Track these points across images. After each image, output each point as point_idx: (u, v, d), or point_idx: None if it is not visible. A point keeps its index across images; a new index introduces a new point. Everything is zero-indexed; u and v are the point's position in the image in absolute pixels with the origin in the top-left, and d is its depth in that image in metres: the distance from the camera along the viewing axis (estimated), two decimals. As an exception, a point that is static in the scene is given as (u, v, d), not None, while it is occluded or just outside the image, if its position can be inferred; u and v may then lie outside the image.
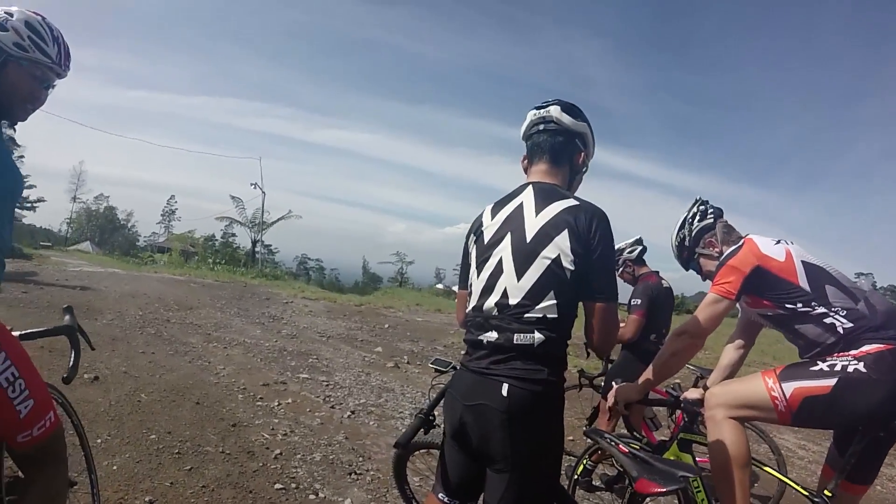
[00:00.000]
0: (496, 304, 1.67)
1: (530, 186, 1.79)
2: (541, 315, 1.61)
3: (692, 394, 2.49)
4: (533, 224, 1.68)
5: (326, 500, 3.08)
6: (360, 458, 3.74)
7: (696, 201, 2.57)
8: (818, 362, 1.95)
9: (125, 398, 4.19)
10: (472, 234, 1.87)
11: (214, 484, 3.06)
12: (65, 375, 1.94)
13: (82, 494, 2.38)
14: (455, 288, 1.81)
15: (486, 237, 1.78)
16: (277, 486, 3.15)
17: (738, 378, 2.31)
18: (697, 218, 2.51)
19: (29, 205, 38.21)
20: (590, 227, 1.64)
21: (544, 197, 1.72)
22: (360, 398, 5.26)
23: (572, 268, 1.62)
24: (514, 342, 1.61)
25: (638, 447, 1.78)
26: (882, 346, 1.88)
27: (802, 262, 2.08)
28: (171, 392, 4.52)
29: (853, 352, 1.91)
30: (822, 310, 2.00)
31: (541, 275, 1.62)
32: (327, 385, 5.56)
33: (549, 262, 1.62)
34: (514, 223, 1.72)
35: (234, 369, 5.61)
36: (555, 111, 1.81)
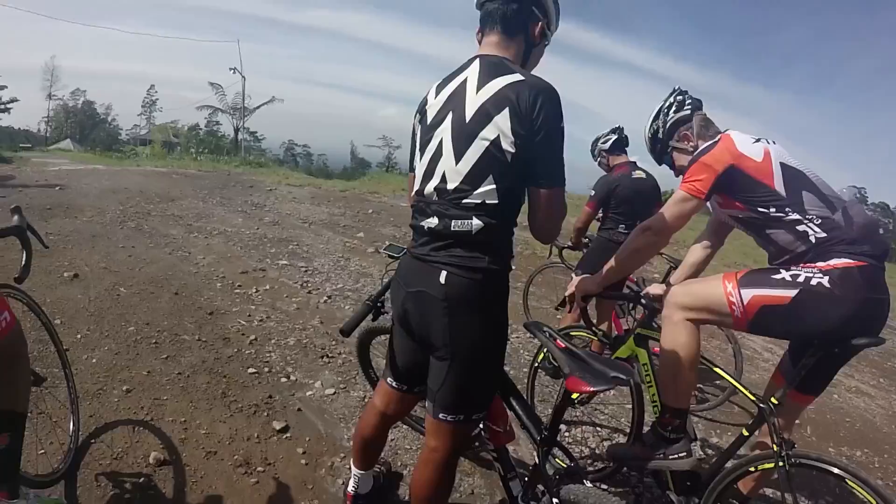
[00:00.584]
0: (435, 188, 1.63)
1: (477, 60, 1.66)
2: (479, 201, 1.57)
3: (654, 289, 2.49)
4: (473, 102, 1.58)
5: (297, 383, 3.27)
6: (333, 342, 3.92)
7: (674, 91, 2.42)
8: (782, 271, 1.90)
9: (105, 293, 4.29)
10: (417, 114, 1.79)
11: (190, 371, 3.23)
12: (16, 276, 1.98)
13: (61, 389, 2.49)
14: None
15: (430, 117, 1.70)
16: (251, 370, 3.33)
17: (700, 279, 2.29)
18: (674, 109, 2.37)
19: (2, 106, 36.50)
20: (534, 106, 1.51)
21: (489, 71, 1.60)
22: (337, 283, 5.41)
23: (513, 150, 1.53)
24: (452, 229, 1.58)
25: (577, 345, 1.81)
26: (852, 261, 1.81)
27: (781, 164, 1.96)
28: (150, 284, 4.63)
29: (821, 264, 1.84)
30: (795, 216, 1.91)
31: (479, 157, 1.55)
32: (306, 271, 5.69)
33: (487, 143, 1.54)
34: (456, 101, 1.62)
35: (214, 258, 5.70)
36: None
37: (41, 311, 2.32)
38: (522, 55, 1.72)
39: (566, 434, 3.13)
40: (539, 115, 1.51)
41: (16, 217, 1.98)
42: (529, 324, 1.94)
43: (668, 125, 2.38)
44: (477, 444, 2.61)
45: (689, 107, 2.35)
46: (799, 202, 1.91)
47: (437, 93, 1.71)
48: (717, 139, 2.09)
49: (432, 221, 1.63)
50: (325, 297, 4.90)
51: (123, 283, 4.57)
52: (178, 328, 3.80)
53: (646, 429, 2.33)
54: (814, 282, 1.80)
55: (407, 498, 2.30)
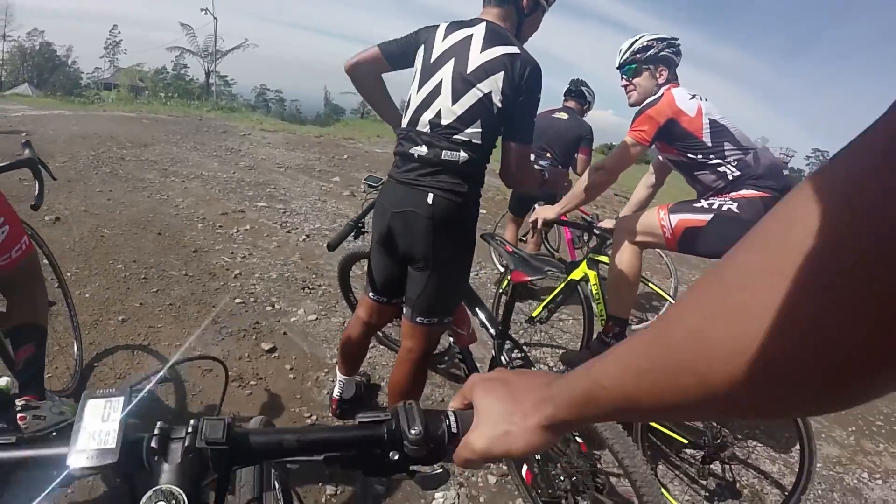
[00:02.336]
0: (430, 121, 1.89)
1: (484, 24, 1.92)
2: (467, 139, 1.85)
3: (606, 223, 2.95)
4: (476, 58, 1.85)
5: (282, 311, 3.51)
6: (314, 276, 4.15)
7: (676, 39, 2.64)
8: (702, 200, 2.31)
9: (88, 235, 4.42)
10: (423, 42, 2.01)
11: (180, 302, 3.44)
12: (32, 203, 2.18)
13: (61, 318, 2.69)
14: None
15: (434, 54, 1.94)
16: (237, 300, 3.55)
17: (642, 211, 2.65)
18: (672, 50, 2.61)
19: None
20: (522, 76, 1.81)
21: (492, 38, 1.87)
22: (315, 223, 5.59)
23: (500, 105, 1.84)
24: (442, 158, 1.86)
25: (522, 251, 2.14)
26: (756, 192, 2.20)
27: (710, 119, 2.33)
28: (132, 226, 4.76)
29: (732, 194, 2.24)
30: (717, 160, 2.31)
31: (473, 104, 1.84)
32: (284, 212, 5.85)
33: (482, 94, 1.82)
34: (460, 51, 1.88)
35: (193, 201, 5.81)
36: None
37: (43, 242, 2.50)
38: (516, 25, 1.99)
39: (529, 355, 3.45)
40: (524, 83, 1.83)
41: (27, 150, 2.17)
42: (486, 234, 2.24)
43: (658, 52, 2.60)
44: (446, 358, 2.93)
45: (680, 58, 2.64)
46: (721, 150, 2.31)
47: (445, 36, 1.95)
48: (660, 94, 2.42)
49: (422, 149, 1.90)
50: (304, 236, 5.09)
51: (106, 225, 4.69)
52: (164, 265, 3.98)
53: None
54: (724, 208, 2.21)
55: (385, 404, 2.59)
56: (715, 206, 2.24)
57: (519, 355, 2.15)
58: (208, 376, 2.70)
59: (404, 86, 2.09)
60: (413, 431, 0.62)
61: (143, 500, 0.55)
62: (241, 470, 1.10)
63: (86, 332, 2.92)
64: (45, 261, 2.57)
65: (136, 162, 7.52)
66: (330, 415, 2.52)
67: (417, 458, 0.63)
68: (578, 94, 4.53)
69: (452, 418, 0.64)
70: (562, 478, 1.87)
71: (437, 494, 2.22)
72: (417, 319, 2.02)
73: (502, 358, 2.13)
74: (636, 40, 2.66)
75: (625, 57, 2.69)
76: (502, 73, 1.81)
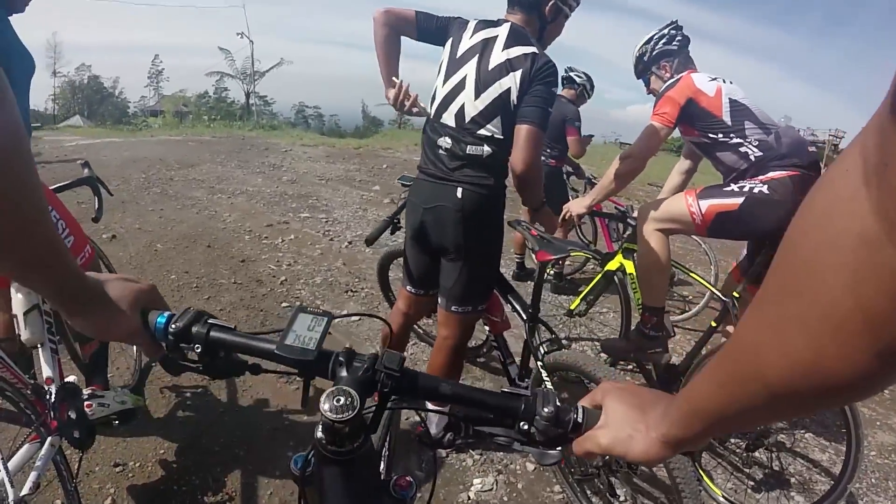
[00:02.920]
0: (455, 115, 1.96)
1: (509, 24, 2.00)
2: (489, 133, 1.92)
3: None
4: (498, 56, 1.92)
5: (327, 312, 3.61)
6: (356, 279, 4.24)
7: (671, 24, 2.69)
8: (731, 184, 2.26)
9: (143, 250, 4.63)
10: (453, 35, 2.07)
11: (230, 307, 3.57)
12: (94, 216, 2.36)
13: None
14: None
15: (460, 51, 2.01)
16: (284, 304, 3.66)
17: (667, 198, 2.60)
18: (664, 41, 2.66)
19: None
20: (539, 72, 1.88)
21: (515, 38, 1.94)
22: (356, 230, 5.70)
23: (517, 102, 1.90)
24: (467, 152, 1.93)
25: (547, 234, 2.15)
26: (785, 172, 2.16)
27: (730, 99, 2.32)
28: (183, 240, 4.96)
29: (761, 177, 2.20)
30: (738, 140, 2.29)
31: (494, 99, 1.90)
32: (326, 221, 5.99)
33: (502, 90, 1.89)
34: (485, 50, 1.96)
35: (240, 215, 6.01)
36: None
37: (102, 253, 2.66)
38: (539, 30, 2.06)
39: (570, 347, 3.45)
40: (539, 75, 1.88)
41: (86, 170, 2.37)
42: (512, 221, 2.28)
43: (654, 53, 2.67)
44: (484, 350, 2.98)
45: (678, 43, 2.63)
46: (741, 129, 2.28)
47: (473, 33, 2.02)
48: (679, 77, 2.43)
49: (447, 142, 1.97)
50: (347, 243, 5.20)
51: (159, 241, 4.90)
52: (214, 274, 4.14)
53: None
54: (756, 190, 2.16)
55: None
56: (746, 189, 2.19)
57: (549, 337, 2.18)
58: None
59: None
60: (546, 411, 0.70)
61: (328, 391, 0.67)
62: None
63: (144, 339, 3.06)
64: (107, 271, 2.73)
65: (184, 182, 7.82)
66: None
67: (543, 436, 0.71)
68: (567, 79, 4.57)
69: (581, 412, 0.70)
70: (594, 460, 1.88)
71: (476, 480, 2.25)
72: (452, 308, 2.10)
73: (533, 341, 2.16)
74: (635, 52, 2.75)
75: (636, 72, 2.79)
76: (521, 70, 1.88)
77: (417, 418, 2.48)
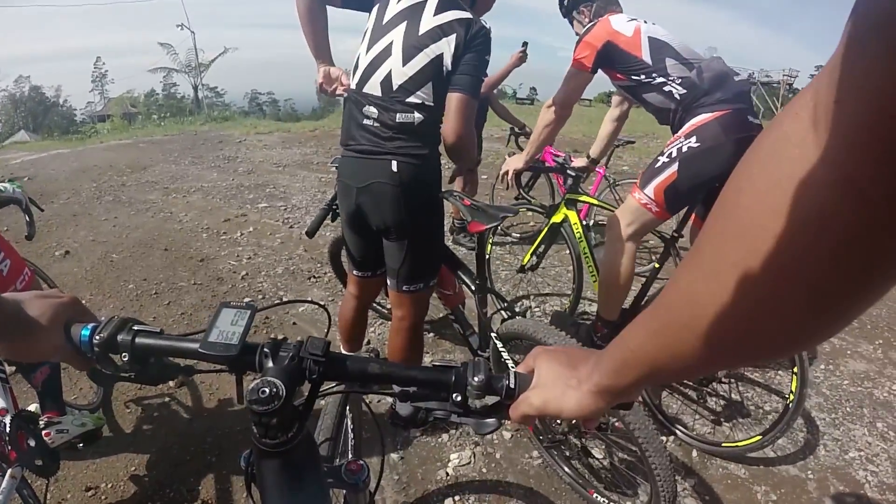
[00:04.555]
0: (380, 83, 1.87)
1: None
2: (420, 101, 1.84)
3: (578, 162, 2.96)
4: (429, 22, 1.84)
5: (290, 302, 3.59)
6: (318, 265, 4.22)
7: None
8: (659, 157, 2.21)
9: (98, 262, 4.52)
10: (380, 1, 1.98)
11: (192, 309, 3.53)
12: (26, 234, 2.29)
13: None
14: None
15: (387, 16, 1.92)
16: (246, 299, 3.63)
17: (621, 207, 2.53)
18: None
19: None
20: (473, 38, 1.83)
21: (446, 4, 1.87)
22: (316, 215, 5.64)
23: (450, 68, 1.83)
24: (397, 120, 1.84)
25: (480, 202, 2.12)
26: (709, 115, 2.10)
27: (649, 37, 2.27)
28: (139, 246, 4.86)
29: (685, 129, 2.15)
30: (661, 79, 2.23)
31: (424, 65, 1.82)
32: (285, 209, 5.91)
33: (434, 56, 1.82)
34: (413, 15, 1.87)
35: (196, 213, 5.89)
36: None
37: (46, 276, 2.60)
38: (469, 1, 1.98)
39: (523, 305, 3.49)
40: (474, 42, 1.83)
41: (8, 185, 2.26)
42: (444, 193, 2.25)
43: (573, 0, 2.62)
44: (456, 325, 2.99)
45: None
46: (663, 68, 2.22)
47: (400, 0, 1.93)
48: (596, 21, 2.39)
49: (373, 112, 1.87)
50: (307, 230, 5.14)
51: (114, 251, 4.79)
52: (173, 278, 4.07)
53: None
54: (684, 149, 2.12)
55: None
56: (675, 154, 2.15)
57: (503, 306, 2.18)
58: (224, 374, 2.78)
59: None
60: (476, 380, 0.71)
61: (252, 384, 0.68)
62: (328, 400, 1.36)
63: (106, 353, 3.02)
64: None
65: (137, 185, 7.63)
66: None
67: (477, 404, 0.73)
68: None
69: (512, 377, 0.71)
70: (558, 421, 1.91)
71: (453, 455, 2.28)
72: (403, 288, 2.06)
73: (486, 312, 2.15)
74: None
75: (562, 14, 2.75)
76: (454, 35, 1.81)
77: (389, 400, 2.49)
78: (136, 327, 0.76)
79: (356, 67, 1.96)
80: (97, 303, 3.70)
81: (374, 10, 1.97)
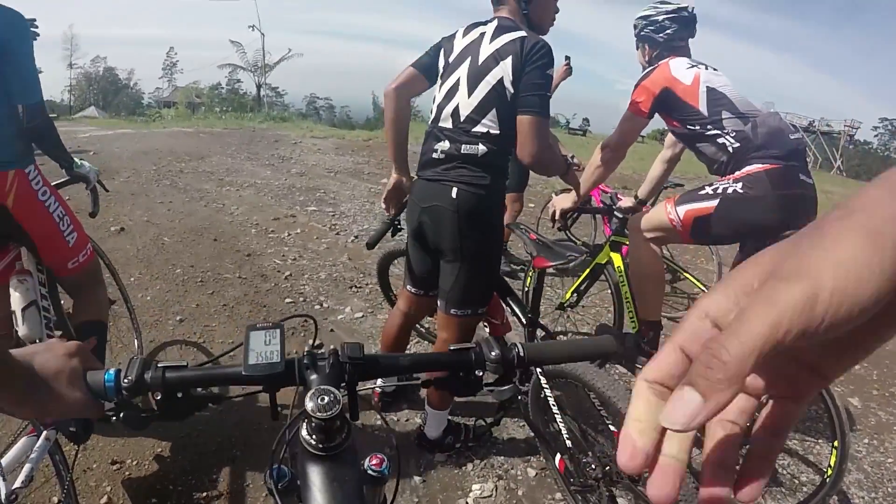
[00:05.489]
0: (450, 116, 1.95)
1: (495, 20, 2.00)
2: (485, 129, 1.89)
3: (624, 202, 2.92)
4: (486, 50, 1.91)
5: (330, 309, 3.62)
6: (361, 275, 4.24)
7: (673, 11, 2.53)
8: (706, 187, 2.23)
9: (150, 243, 4.66)
10: (444, 46, 2.09)
11: (234, 302, 3.59)
12: (90, 211, 2.38)
13: (124, 319, 2.87)
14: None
15: (453, 55, 2.02)
16: (287, 300, 3.68)
17: (652, 210, 2.57)
18: (652, 28, 2.54)
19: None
20: (531, 53, 1.83)
21: (501, 30, 1.93)
22: (363, 224, 5.71)
23: (513, 90, 1.86)
24: (462, 151, 1.91)
25: (546, 237, 2.14)
26: (760, 166, 2.11)
27: (707, 87, 2.25)
28: (190, 233, 4.99)
29: (735, 174, 2.16)
30: (715, 131, 2.23)
31: (486, 93, 1.88)
32: (333, 215, 5.99)
33: (494, 82, 1.86)
34: (474, 48, 1.95)
35: (247, 208, 6.03)
36: None
37: (103, 253, 2.68)
38: (521, 13, 2.01)
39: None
40: (533, 59, 1.84)
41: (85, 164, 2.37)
42: (511, 224, 2.26)
43: (640, 31, 2.60)
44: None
45: (665, 37, 2.50)
46: (718, 120, 2.21)
47: (465, 35, 2.03)
48: (656, 66, 2.37)
49: (444, 145, 1.96)
50: (353, 237, 5.21)
51: (166, 234, 4.94)
52: (219, 269, 4.16)
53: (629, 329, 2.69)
54: (730, 190, 2.12)
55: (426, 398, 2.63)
56: (720, 191, 2.16)
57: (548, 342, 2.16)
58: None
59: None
60: (493, 354, 0.83)
61: (309, 394, 0.72)
62: None
63: (146, 331, 3.09)
64: (108, 269, 2.76)
65: (193, 174, 7.86)
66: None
67: (495, 375, 0.84)
68: None
69: (521, 348, 0.84)
70: (593, 466, 1.86)
71: (475, 486, 2.24)
72: (451, 311, 2.07)
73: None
74: (637, 17, 2.64)
75: (635, 30, 2.69)
76: (510, 57, 1.84)
77: (419, 420, 2.49)
78: (161, 364, 0.76)
79: (433, 107, 2.07)
80: (144, 283, 3.80)
81: (442, 53, 2.07)
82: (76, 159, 2.28)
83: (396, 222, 2.39)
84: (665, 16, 2.51)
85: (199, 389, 0.79)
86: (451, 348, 0.86)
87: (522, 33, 1.88)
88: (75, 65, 54.61)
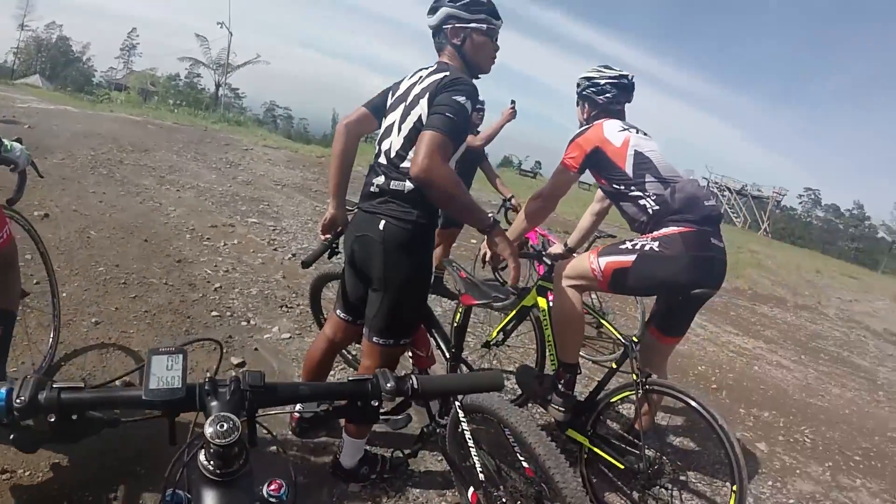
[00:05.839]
0: (385, 153, 2.04)
1: (435, 64, 2.09)
2: (410, 165, 1.87)
3: (554, 249, 3.04)
4: (415, 90, 2.01)
5: (257, 327, 3.53)
6: (293, 295, 4.17)
7: (615, 77, 2.66)
8: (626, 242, 2.38)
9: (75, 234, 4.45)
10: (393, 87, 2.19)
11: (156, 310, 3.45)
12: (9, 198, 2.25)
13: (35, 313, 2.73)
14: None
15: (394, 96, 2.12)
16: (214, 313, 3.57)
17: (578, 256, 2.70)
18: (593, 90, 2.67)
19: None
20: (447, 85, 1.90)
21: (433, 72, 2.02)
22: (303, 242, 5.64)
23: (425, 122, 1.92)
24: (391, 187, 1.99)
25: (476, 277, 2.22)
26: (676, 228, 2.27)
27: (635, 150, 2.42)
28: (120, 230, 4.79)
29: (654, 233, 2.33)
30: (638, 193, 2.40)
31: (409, 130, 1.97)
32: (274, 230, 5.91)
33: (415, 119, 1.95)
34: (410, 89, 2.05)
35: (185, 211, 5.86)
36: (427, 21, 2.13)
37: (39, 239, 2.55)
38: (459, 56, 2.10)
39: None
40: (444, 89, 1.90)
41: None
42: (445, 260, 2.32)
43: (582, 91, 2.73)
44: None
45: (605, 100, 2.64)
46: (641, 183, 2.39)
47: (410, 78, 2.13)
48: (591, 125, 2.54)
49: (380, 179, 2.04)
50: (290, 255, 5.13)
51: (93, 227, 4.72)
52: (146, 272, 4.00)
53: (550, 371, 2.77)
54: (647, 248, 2.29)
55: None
56: (638, 247, 2.31)
57: None
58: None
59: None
60: (388, 386, 0.90)
61: (208, 421, 0.73)
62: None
63: (57, 332, 2.93)
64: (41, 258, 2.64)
65: (133, 166, 7.59)
66: (289, 433, 2.52)
67: (390, 404, 0.84)
68: None
69: (415, 380, 0.92)
70: (504, 500, 1.89)
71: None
72: (374, 339, 2.11)
73: None
74: (579, 77, 2.78)
75: (577, 88, 2.83)
76: (428, 94, 1.93)
77: (335, 448, 2.46)
78: (56, 384, 0.75)
79: (376, 142, 2.15)
80: (62, 278, 3.60)
81: (389, 94, 2.17)
82: (6, 142, 2.16)
83: (335, 245, 2.41)
84: (607, 80, 2.66)
85: (95, 412, 0.78)
86: (350, 378, 0.91)
87: (447, 72, 1.96)
88: (27, 27, 51.80)
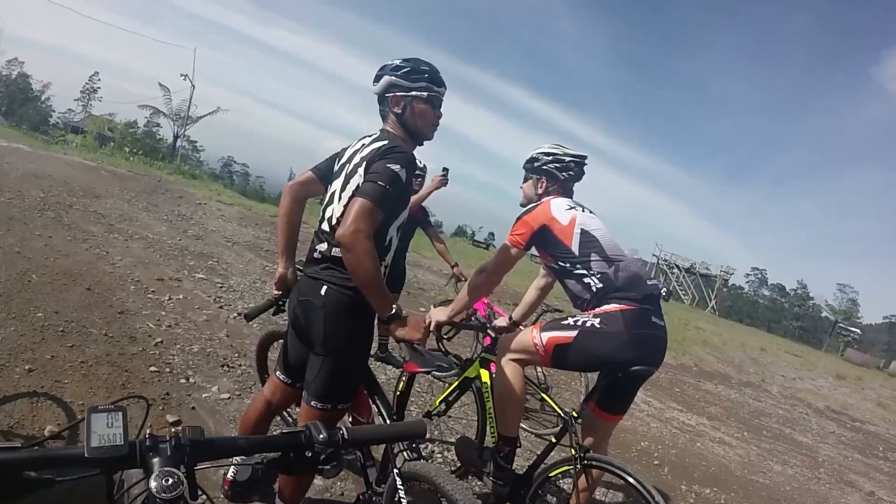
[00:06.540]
0: (328, 219, 2.10)
1: (378, 132, 2.17)
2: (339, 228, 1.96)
3: (499, 322, 3.13)
4: (356, 158, 2.07)
5: (196, 385, 3.52)
6: (236, 354, 4.18)
7: (580, 157, 2.79)
8: (569, 318, 2.46)
9: (16, 277, 4.38)
10: (340, 153, 2.25)
11: (93, 361, 3.42)
12: None
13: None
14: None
15: (339, 163, 2.19)
16: (153, 368, 3.55)
17: (520, 332, 2.75)
18: (556, 165, 2.75)
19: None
20: (383, 153, 1.96)
21: (374, 140, 2.08)
22: (250, 302, 5.64)
23: None
24: (332, 253, 2.04)
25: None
26: (618, 306, 2.36)
27: (582, 230, 2.51)
28: (63, 276, 4.73)
29: (595, 310, 2.40)
30: (582, 271, 2.48)
31: (349, 199, 2.00)
32: (221, 287, 5.90)
33: (354, 187, 2.01)
34: (352, 157, 2.11)
35: (132, 261, 5.82)
36: (372, 89, 2.20)
37: None
38: (400, 125, 2.19)
39: (427, 448, 3.52)
40: (379, 157, 1.97)
41: None
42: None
43: (542, 165, 2.78)
44: (357, 453, 3.00)
45: (567, 176, 2.76)
46: (587, 261, 2.48)
47: (354, 145, 2.19)
48: (538, 203, 2.64)
49: (323, 246, 2.10)
50: (236, 314, 5.13)
51: (36, 271, 4.66)
52: (86, 321, 3.96)
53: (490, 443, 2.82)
54: (588, 324, 2.36)
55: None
56: (580, 323, 2.35)
57: (410, 446, 2.26)
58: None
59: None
60: (321, 437, 0.97)
61: (153, 476, 0.78)
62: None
63: (-13, 377, 2.88)
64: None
65: (83, 212, 7.51)
66: (220, 496, 2.51)
67: (324, 457, 0.97)
68: None
69: (346, 431, 1.00)
70: None
71: None
72: (312, 403, 2.12)
73: (392, 448, 2.21)
74: (533, 152, 2.86)
75: (524, 165, 2.92)
76: (366, 162, 1.99)
77: (229, 474, 2.51)
78: None
79: (321, 209, 2.22)
80: (-2, 321, 3.55)
81: (336, 160, 2.26)
82: None
83: (280, 302, 2.48)
84: (571, 158, 2.77)
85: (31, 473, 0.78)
86: (283, 431, 0.98)
87: (386, 141, 2.03)
88: (-12, 61, 50.92)
